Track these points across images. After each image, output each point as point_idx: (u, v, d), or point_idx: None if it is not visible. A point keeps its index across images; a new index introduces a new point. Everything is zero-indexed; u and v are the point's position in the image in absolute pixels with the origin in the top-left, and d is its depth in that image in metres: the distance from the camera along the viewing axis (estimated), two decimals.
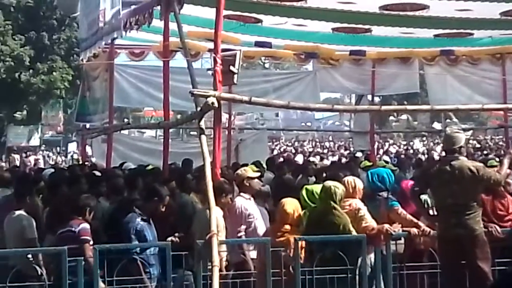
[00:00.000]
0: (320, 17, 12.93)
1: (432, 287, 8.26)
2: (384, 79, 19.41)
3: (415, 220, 8.50)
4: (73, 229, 8.06)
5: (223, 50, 9.36)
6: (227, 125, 18.17)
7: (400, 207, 8.70)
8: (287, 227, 8.10)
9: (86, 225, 8.16)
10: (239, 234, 8.83)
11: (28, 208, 9.04)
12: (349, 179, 8.84)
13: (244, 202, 9.13)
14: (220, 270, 7.56)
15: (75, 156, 34.42)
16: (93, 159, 19.45)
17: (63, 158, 38.72)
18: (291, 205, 8.23)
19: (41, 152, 42.94)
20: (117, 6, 11.89)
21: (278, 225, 8.25)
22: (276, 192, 9.92)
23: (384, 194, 8.88)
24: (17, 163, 32.20)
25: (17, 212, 8.88)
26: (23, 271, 8.12)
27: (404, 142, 46.06)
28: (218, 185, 8.61)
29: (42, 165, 30.33)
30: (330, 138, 54.53)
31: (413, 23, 13.27)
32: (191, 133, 39.24)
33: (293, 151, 39.98)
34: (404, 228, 8.39)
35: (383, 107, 11.31)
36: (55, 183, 10.66)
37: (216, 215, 8.15)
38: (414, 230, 8.36)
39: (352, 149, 26.20)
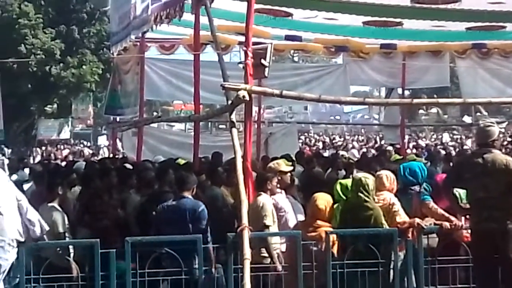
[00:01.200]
0: (351, 10, 12.86)
1: (465, 281, 8.20)
2: (415, 73, 19.30)
3: (447, 215, 8.44)
4: None
5: (254, 44, 9.35)
6: (256, 118, 18.16)
7: (432, 202, 8.65)
8: (319, 222, 8.09)
9: None
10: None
11: (59, 201, 9.12)
12: (383, 172, 8.81)
13: (276, 196, 9.12)
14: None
15: (105, 150, 34.56)
16: (123, 152, 19.55)
17: (93, 151, 38.87)
18: (323, 200, 8.22)
19: (71, 145, 43.21)
20: (146, 0, 11.94)
21: (310, 220, 8.24)
22: (306, 185, 9.91)
23: (416, 188, 8.84)
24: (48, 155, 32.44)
25: (49, 205, 8.96)
26: (55, 263, 8.19)
27: (434, 136, 45.74)
28: (260, 175, 8.66)
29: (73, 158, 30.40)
30: (361, 131, 54.35)
31: (445, 16, 13.17)
32: (220, 126, 39.29)
33: (322, 145, 39.87)
34: (436, 222, 8.34)
35: (415, 100, 11.23)
36: (87, 177, 10.74)
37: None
38: (446, 224, 8.31)
39: (383, 142, 26.07)
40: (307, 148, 28.94)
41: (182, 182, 8.68)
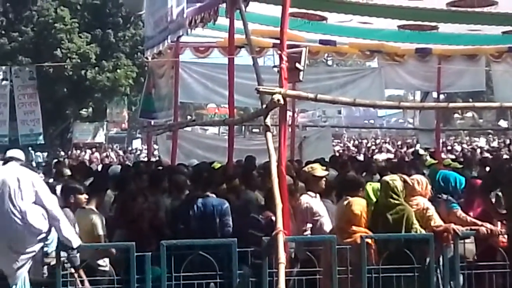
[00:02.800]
0: (386, 14, 12.79)
1: (502, 287, 8.12)
2: (450, 76, 19.17)
3: (479, 223, 8.37)
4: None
5: (288, 47, 9.34)
6: (290, 122, 18.14)
7: (459, 210, 8.58)
8: (354, 227, 8.05)
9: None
10: (305, 233, 8.82)
11: (96, 204, 9.19)
12: (415, 177, 8.75)
13: (310, 200, 9.12)
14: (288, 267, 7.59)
15: (140, 153, 34.79)
16: (157, 155, 19.65)
17: (128, 154, 39.10)
18: (358, 205, 8.17)
19: (109, 149, 43.49)
20: (182, 4, 11.97)
21: (345, 225, 8.18)
22: (340, 189, 9.86)
23: (444, 196, 8.76)
24: (82, 159, 32.72)
25: (88, 207, 9.03)
26: (92, 265, 8.26)
27: (469, 140, 45.39)
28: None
29: (109, 161, 30.64)
30: (394, 136, 54.05)
31: (481, 20, 13.04)
32: (254, 130, 39.29)
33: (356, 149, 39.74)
34: (473, 227, 8.27)
35: (451, 104, 11.15)
36: (122, 180, 10.80)
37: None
38: (483, 229, 8.23)
39: (418, 146, 25.89)
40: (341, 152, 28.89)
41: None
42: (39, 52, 36.30)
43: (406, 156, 24.53)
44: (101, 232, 8.79)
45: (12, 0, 38.72)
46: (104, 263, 8.61)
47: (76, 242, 7.61)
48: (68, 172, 13.45)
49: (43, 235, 7.50)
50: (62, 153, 37.51)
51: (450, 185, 8.86)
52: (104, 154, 36.70)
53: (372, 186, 8.58)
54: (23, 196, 7.44)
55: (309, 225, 8.93)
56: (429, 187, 8.64)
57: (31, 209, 7.42)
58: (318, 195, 9.38)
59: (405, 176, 8.67)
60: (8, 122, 20.60)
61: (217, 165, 12.59)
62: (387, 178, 8.34)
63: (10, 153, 8.16)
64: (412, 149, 28.83)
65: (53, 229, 7.58)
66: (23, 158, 8.15)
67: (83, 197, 9.02)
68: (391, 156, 25.38)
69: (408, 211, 7.96)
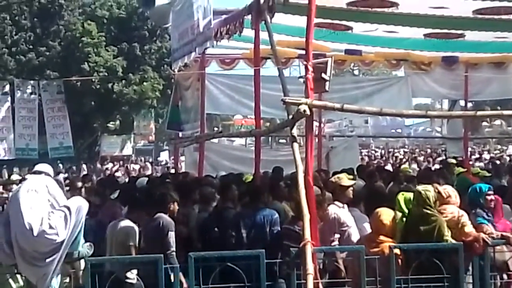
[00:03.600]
0: (411, 23, 12.75)
1: None
2: (478, 84, 19.03)
3: (508, 235, 8.31)
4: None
5: (314, 57, 9.32)
6: (317, 132, 18.10)
7: (486, 225, 8.53)
8: (382, 237, 8.01)
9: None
10: (333, 243, 8.79)
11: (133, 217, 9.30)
12: (447, 187, 8.72)
13: (338, 211, 9.10)
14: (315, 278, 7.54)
15: (168, 165, 34.91)
16: (183, 167, 19.71)
17: (156, 167, 39.25)
18: (387, 215, 8.15)
19: (139, 162, 43.68)
20: (208, 16, 12.02)
21: (373, 235, 8.16)
22: (368, 199, 9.83)
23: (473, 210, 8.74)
24: (110, 172, 32.90)
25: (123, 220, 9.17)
26: (119, 277, 8.30)
27: (499, 147, 45.02)
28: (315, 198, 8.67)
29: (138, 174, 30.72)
30: (421, 145, 53.79)
31: (507, 27, 12.94)
32: (280, 141, 39.29)
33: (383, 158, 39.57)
34: (504, 235, 8.21)
35: (479, 112, 11.01)
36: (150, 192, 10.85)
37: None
38: None
39: (446, 155, 25.72)
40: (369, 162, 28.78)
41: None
42: (66, 66, 36.63)
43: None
44: (131, 242, 8.86)
45: (40, 15, 39.15)
46: (132, 276, 8.63)
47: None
48: (79, 184, 13.59)
49: (57, 244, 7.53)
50: (84, 166, 37.71)
51: (481, 198, 8.83)
52: (136, 166, 36.79)
53: (404, 196, 8.55)
54: (39, 206, 7.51)
55: (337, 236, 8.90)
56: (458, 197, 8.59)
57: (46, 219, 7.48)
58: (345, 205, 9.35)
59: (437, 186, 8.63)
60: (37, 136, 20.78)
61: (248, 178, 12.61)
62: (420, 188, 8.32)
63: (38, 167, 8.24)
64: (440, 158, 28.68)
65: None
66: (51, 172, 8.21)
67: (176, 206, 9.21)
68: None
69: (440, 222, 7.92)
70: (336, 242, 8.83)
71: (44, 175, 7.99)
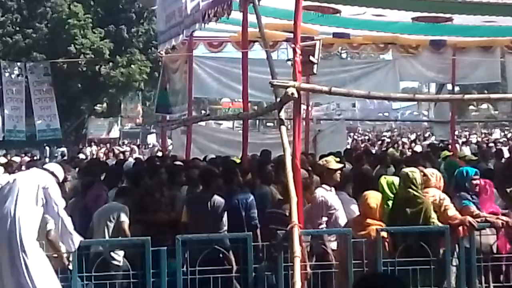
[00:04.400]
0: (399, 6, 12.71)
1: None
2: (465, 68, 19.02)
3: (492, 219, 8.35)
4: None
5: (302, 40, 9.30)
6: (304, 115, 18.10)
7: (472, 206, 8.55)
8: (370, 220, 8.04)
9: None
10: (320, 226, 8.81)
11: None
12: (429, 170, 8.75)
13: (325, 194, 9.09)
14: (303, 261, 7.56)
15: (155, 148, 34.78)
16: (171, 150, 19.68)
17: (143, 150, 39.16)
18: (374, 198, 8.16)
19: (126, 144, 43.53)
20: None
21: (361, 218, 8.19)
22: (355, 183, 9.84)
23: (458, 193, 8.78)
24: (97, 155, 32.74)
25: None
26: (105, 258, 8.30)
27: (485, 132, 45.19)
28: (302, 181, 8.66)
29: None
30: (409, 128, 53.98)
31: (495, 11, 12.91)
32: (268, 124, 39.28)
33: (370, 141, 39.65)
34: (488, 219, 8.25)
35: (466, 96, 11.02)
36: (136, 175, 10.83)
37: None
38: (498, 222, 8.22)
39: (433, 138, 25.80)
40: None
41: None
42: (53, 48, 36.42)
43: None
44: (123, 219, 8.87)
45: None
46: (119, 257, 8.60)
47: (73, 246, 7.72)
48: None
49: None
50: (89, 148, 37.52)
51: (467, 181, 8.86)
52: (123, 149, 36.62)
53: (386, 180, 8.58)
54: (25, 200, 7.50)
55: (325, 219, 8.91)
56: (442, 180, 8.62)
57: (28, 213, 7.49)
58: (333, 188, 9.35)
59: (422, 169, 8.67)
60: (24, 118, 20.72)
61: (237, 160, 12.63)
62: (406, 170, 8.35)
63: (48, 165, 8.23)
64: (428, 142, 28.77)
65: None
66: (59, 173, 8.11)
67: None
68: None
69: (426, 204, 7.97)
70: (323, 225, 8.84)
71: (46, 173, 7.95)
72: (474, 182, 8.88)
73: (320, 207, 8.94)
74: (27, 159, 22.14)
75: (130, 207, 9.09)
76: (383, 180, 8.60)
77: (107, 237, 8.72)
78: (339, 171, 9.50)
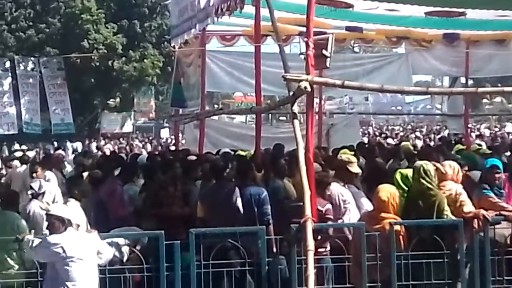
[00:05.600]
0: (412, 0, 12.67)
1: None
2: (479, 61, 18.95)
3: (510, 208, 8.33)
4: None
5: (314, 34, 9.29)
6: (317, 109, 18.08)
7: (491, 195, 8.52)
8: (383, 214, 8.02)
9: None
10: (339, 221, 8.80)
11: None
12: (446, 162, 8.73)
13: (341, 189, 9.10)
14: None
15: (168, 142, 34.88)
16: (183, 144, 19.72)
17: (156, 143, 39.23)
18: (386, 192, 8.14)
19: (138, 139, 43.65)
20: None
21: (375, 212, 8.18)
22: (369, 176, 9.85)
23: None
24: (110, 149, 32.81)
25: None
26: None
27: (499, 125, 44.99)
28: (320, 178, 8.67)
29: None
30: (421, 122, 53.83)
31: (509, 5, 12.86)
32: (281, 118, 39.25)
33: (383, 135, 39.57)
34: (502, 213, 8.23)
35: (480, 89, 10.95)
36: (150, 169, 10.87)
37: None
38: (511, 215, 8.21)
39: (446, 132, 25.74)
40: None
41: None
42: (66, 43, 36.58)
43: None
44: None
45: None
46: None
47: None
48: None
49: None
50: (94, 143, 37.63)
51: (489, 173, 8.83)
52: (138, 143, 36.65)
53: (401, 173, 8.58)
54: None
55: (343, 212, 8.91)
56: (461, 173, 8.59)
57: None
58: (346, 184, 9.36)
59: (436, 163, 8.64)
60: (39, 111, 20.84)
61: (241, 153, 12.65)
62: (420, 162, 8.35)
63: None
64: (440, 135, 28.71)
65: None
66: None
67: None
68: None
69: (440, 197, 7.96)
70: (343, 219, 8.84)
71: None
72: (497, 175, 8.83)
73: (338, 204, 8.96)
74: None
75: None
76: (398, 174, 8.62)
77: None
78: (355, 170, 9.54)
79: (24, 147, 30.74)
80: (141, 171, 11.23)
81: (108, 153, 23.07)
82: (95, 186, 10.40)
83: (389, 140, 27.36)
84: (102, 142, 37.65)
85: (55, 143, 32.05)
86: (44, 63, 21.48)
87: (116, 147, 32.78)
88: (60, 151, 21.49)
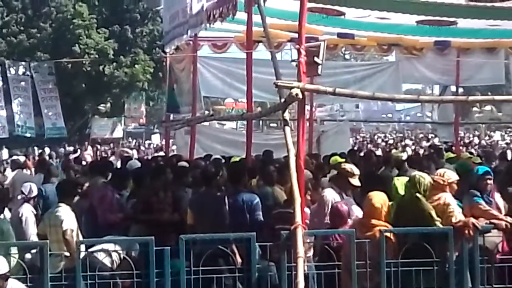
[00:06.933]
0: (404, 9, 12.69)
1: None
2: (469, 70, 19.02)
3: (501, 216, 8.35)
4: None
5: (306, 41, 9.30)
6: (308, 116, 18.09)
7: (483, 203, 8.55)
8: (374, 221, 8.02)
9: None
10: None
11: None
12: (440, 171, 8.71)
13: (335, 195, 9.10)
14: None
15: (159, 148, 34.80)
16: (172, 150, 19.71)
17: (145, 149, 39.17)
18: (378, 198, 8.15)
19: (126, 145, 43.53)
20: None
21: (366, 220, 8.17)
22: (363, 184, 9.82)
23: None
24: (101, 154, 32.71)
25: None
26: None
27: (489, 134, 45.16)
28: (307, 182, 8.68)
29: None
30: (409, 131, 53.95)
31: (500, 15, 12.91)
32: (271, 125, 39.29)
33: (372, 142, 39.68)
34: (492, 221, 8.25)
35: (470, 98, 11.02)
36: (141, 175, 10.84)
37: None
38: (501, 223, 8.22)
39: (436, 140, 25.83)
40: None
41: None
42: (57, 48, 36.51)
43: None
44: None
45: None
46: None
47: None
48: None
49: None
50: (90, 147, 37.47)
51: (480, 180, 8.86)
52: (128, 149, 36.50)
53: (400, 181, 8.60)
54: None
55: None
56: (455, 181, 8.56)
57: None
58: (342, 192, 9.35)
59: (434, 176, 8.61)
60: (33, 115, 20.85)
61: (235, 159, 12.65)
62: (416, 173, 8.38)
63: None
64: (429, 143, 28.79)
65: None
66: None
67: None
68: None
69: (428, 208, 7.96)
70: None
71: None
72: (489, 181, 8.86)
73: (328, 207, 8.94)
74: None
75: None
76: (397, 181, 8.63)
77: None
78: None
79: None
80: (131, 176, 11.19)
81: (89, 159, 23.09)
82: (85, 191, 10.37)
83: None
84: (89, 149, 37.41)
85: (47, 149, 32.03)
86: (35, 67, 21.53)
87: (98, 153, 32.53)
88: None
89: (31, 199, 9.67)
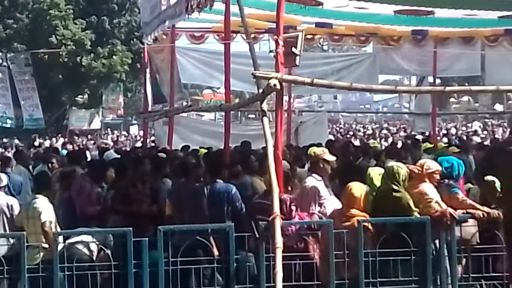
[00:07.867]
0: None
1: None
2: (446, 61, 19.10)
3: (478, 206, 8.39)
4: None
5: (284, 30, 9.28)
6: (286, 107, 18.11)
7: (460, 193, 8.61)
8: (353, 211, 8.04)
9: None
10: (313, 216, 8.73)
11: None
12: (424, 161, 8.70)
13: (317, 183, 9.05)
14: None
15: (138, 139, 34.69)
16: (152, 141, 19.65)
17: (124, 140, 39.00)
18: (358, 189, 8.17)
19: (106, 136, 43.29)
20: None
21: (345, 209, 8.18)
22: (340, 174, 9.82)
23: (446, 180, 8.76)
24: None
25: None
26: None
27: (466, 124, 45.41)
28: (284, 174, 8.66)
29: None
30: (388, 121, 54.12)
31: (477, 5, 12.99)
32: (249, 116, 39.30)
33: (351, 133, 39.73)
34: (469, 211, 8.29)
35: (447, 88, 11.07)
36: (121, 166, 10.75)
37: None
38: (479, 213, 8.26)
39: (412, 131, 25.91)
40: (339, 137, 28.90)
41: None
42: (34, 39, 36.27)
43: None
44: None
45: None
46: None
47: None
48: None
49: None
50: (61, 139, 37.20)
51: (454, 171, 8.88)
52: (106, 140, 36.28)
53: (375, 171, 8.61)
54: None
55: (318, 208, 8.84)
56: (431, 171, 8.56)
57: None
58: (322, 179, 9.30)
59: (410, 165, 8.63)
60: (12, 105, 20.71)
61: (202, 151, 12.62)
62: (393, 164, 8.39)
63: None
64: (406, 133, 28.89)
65: None
66: None
67: None
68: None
69: (405, 198, 7.98)
70: (316, 215, 8.77)
71: None
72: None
73: (311, 195, 8.88)
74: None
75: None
76: (373, 172, 8.64)
77: None
78: (332, 163, 9.47)
79: None
80: (109, 167, 11.12)
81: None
82: (64, 182, 10.30)
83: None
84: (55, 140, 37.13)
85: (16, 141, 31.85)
86: (12, 58, 21.41)
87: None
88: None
89: (1, 188, 9.62)
